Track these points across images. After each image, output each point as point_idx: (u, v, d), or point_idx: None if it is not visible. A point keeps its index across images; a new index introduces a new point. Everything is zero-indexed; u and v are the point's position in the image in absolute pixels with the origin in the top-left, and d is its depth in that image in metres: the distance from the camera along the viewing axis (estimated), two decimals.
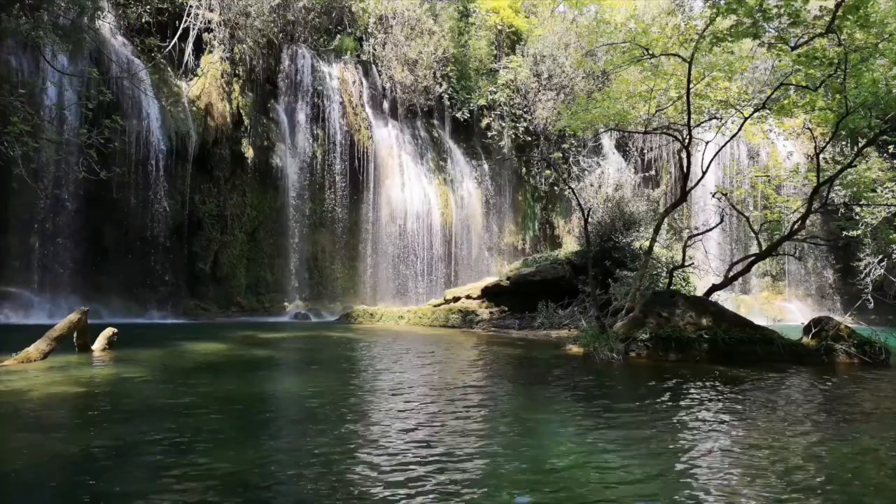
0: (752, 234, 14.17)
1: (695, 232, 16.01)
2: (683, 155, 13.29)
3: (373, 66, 24.68)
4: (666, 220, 15.53)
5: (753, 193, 26.89)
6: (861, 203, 18.01)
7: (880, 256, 20.99)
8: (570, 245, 24.73)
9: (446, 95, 25.63)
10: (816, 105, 11.90)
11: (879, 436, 5.31)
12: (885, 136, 13.91)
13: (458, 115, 25.89)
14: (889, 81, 10.70)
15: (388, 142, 24.35)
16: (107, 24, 18.57)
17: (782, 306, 26.54)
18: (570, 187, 16.07)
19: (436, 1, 25.76)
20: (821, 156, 12.90)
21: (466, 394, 7.00)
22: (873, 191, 17.40)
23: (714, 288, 12.48)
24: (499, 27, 27.10)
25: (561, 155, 26.53)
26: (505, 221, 27.40)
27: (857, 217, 18.78)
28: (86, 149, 12.51)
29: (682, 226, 26.65)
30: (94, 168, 12.16)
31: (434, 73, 24.98)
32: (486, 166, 27.00)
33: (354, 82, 24.02)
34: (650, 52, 12.50)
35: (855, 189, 17.67)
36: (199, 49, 20.69)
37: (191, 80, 20.42)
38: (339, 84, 23.36)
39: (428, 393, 7.00)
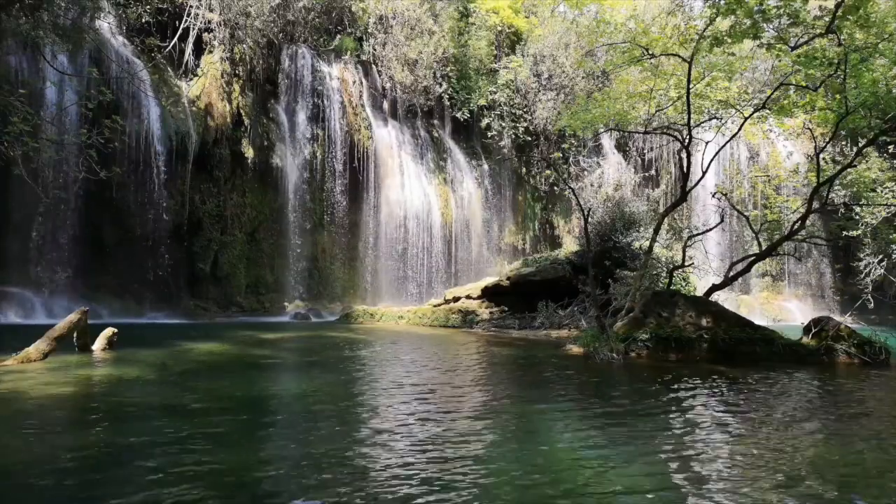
0: (752, 234, 14.17)
1: (695, 232, 16.01)
2: (683, 155, 13.29)
3: (373, 66, 24.69)
4: (666, 220, 15.53)
5: (753, 193, 26.92)
6: (861, 203, 18.02)
7: (880, 256, 21.01)
8: (570, 245, 24.74)
9: (446, 95, 25.63)
10: (816, 105, 11.91)
11: (880, 435, 5.31)
12: (885, 136, 13.90)
13: (458, 115, 25.89)
14: (889, 81, 10.70)
15: (388, 142, 24.36)
16: (107, 24, 18.57)
17: (782, 306, 26.55)
18: (570, 187, 16.07)
19: (436, 1, 25.74)
20: (821, 156, 12.90)
21: (466, 394, 7.00)
22: (873, 191, 17.41)
23: (714, 288, 12.48)
24: (499, 27, 27.10)
25: (561, 155, 26.54)
26: (505, 221, 27.40)
27: (857, 217, 18.79)
28: (86, 149, 12.50)
29: (682, 226, 26.62)
30: (94, 168, 12.15)
31: (434, 73, 24.98)
32: (486, 166, 27.00)
33: (354, 82, 24.02)
34: (650, 52, 12.50)
35: (855, 189, 17.67)
36: (199, 49, 20.69)
37: (191, 80, 20.42)
38: (339, 84, 23.36)
39: (428, 393, 7.00)
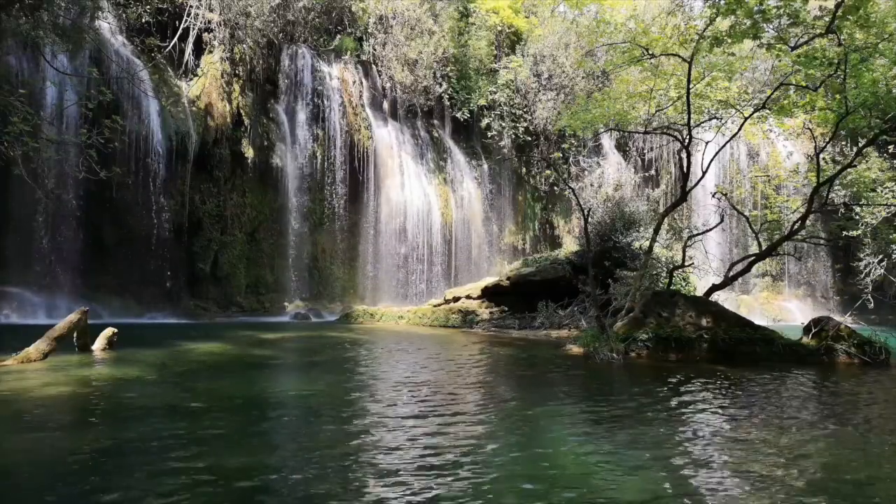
0: (752, 234, 14.17)
1: (695, 232, 16.00)
2: (683, 155, 13.29)
3: (373, 66, 24.68)
4: (666, 220, 15.52)
5: (753, 193, 26.92)
6: (861, 203, 18.02)
7: (880, 256, 21.00)
8: (570, 245, 24.73)
9: (446, 95, 25.62)
10: (816, 105, 11.91)
11: (880, 436, 5.30)
12: (885, 136, 13.90)
13: (458, 115, 25.88)
14: (889, 81, 10.70)
15: (388, 142, 24.36)
16: (107, 24, 18.56)
17: (782, 306, 26.54)
18: (570, 187, 16.05)
19: (436, 1, 25.74)
20: (821, 156, 12.90)
21: (467, 394, 7.00)
22: (873, 191, 17.41)
23: (714, 288, 12.47)
24: (499, 27, 27.09)
25: (561, 155, 26.53)
26: (505, 221, 27.39)
27: (857, 217, 18.79)
28: (86, 149, 12.49)
29: (682, 226, 26.61)
30: (94, 168, 12.13)
31: (434, 73, 24.97)
32: (486, 166, 27.00)
33: (354, 82, 24.01)
34: (650, 52, 12.49)
35: (855, 189, 17.68)
36: (199, 49, 20.68)
37: (191, 80, 20.41)
38: (339, 84, 23.36)
39: (428, 393, 7.00)
